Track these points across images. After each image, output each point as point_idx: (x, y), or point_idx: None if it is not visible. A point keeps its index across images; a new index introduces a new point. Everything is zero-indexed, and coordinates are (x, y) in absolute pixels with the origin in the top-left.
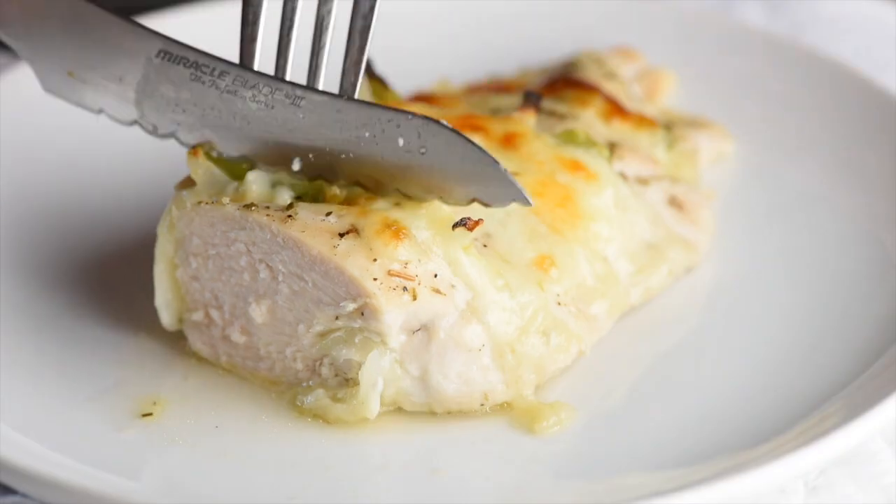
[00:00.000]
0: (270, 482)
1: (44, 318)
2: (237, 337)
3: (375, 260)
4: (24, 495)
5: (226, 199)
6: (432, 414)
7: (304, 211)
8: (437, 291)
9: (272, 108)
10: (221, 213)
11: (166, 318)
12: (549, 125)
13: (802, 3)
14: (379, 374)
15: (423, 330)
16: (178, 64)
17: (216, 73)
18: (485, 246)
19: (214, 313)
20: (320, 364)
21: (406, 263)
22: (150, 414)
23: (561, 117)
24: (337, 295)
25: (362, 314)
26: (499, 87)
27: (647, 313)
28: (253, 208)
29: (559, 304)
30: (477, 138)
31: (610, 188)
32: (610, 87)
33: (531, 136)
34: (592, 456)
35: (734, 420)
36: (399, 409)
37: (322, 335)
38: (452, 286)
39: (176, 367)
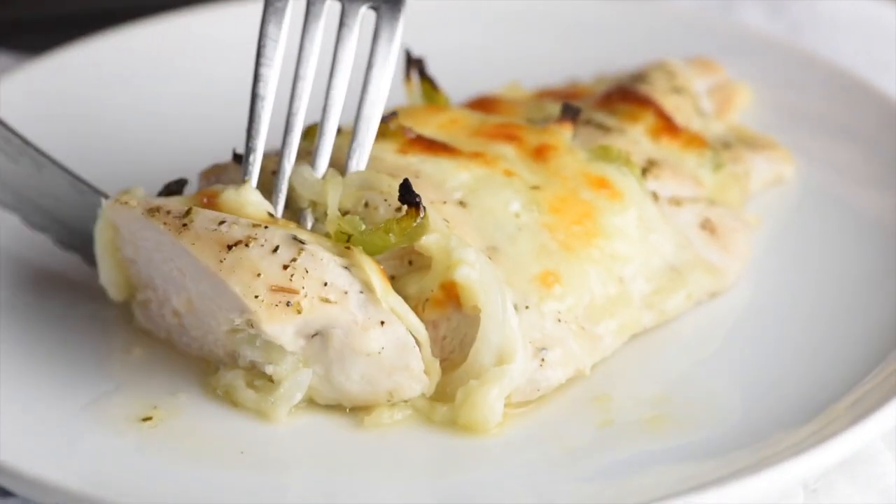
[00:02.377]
0: (271, 484)
1: (43, 322)
2: (170, 318)
3: (259, 275)
4: (23, 498)
5: (135, 201)
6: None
7: (200, 218)
8: (327, 301)
9: None
10: (130, 214)
11: (114, 293)
12: (592, 138)
13: (802, 4)
14: (299, 389)
15: (320, 335)
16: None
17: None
18: (489, 258)
19: (151, 294)
20: (238, 355)
21: (291, 276)
22: (149, 418)
23: (607, 131)
24: (228, 305)
25: (251, 325)
26: (568, 93)
27: (661, 331)
28: (155, 214)
29: (559, 320)
30: (509, 148)
31: (634, 207)
32: (673, 102)
33: (563, 149)
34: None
35: (733, 423)
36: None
37: (233, 331)
38: (345, 293)
39: (176, 372)
